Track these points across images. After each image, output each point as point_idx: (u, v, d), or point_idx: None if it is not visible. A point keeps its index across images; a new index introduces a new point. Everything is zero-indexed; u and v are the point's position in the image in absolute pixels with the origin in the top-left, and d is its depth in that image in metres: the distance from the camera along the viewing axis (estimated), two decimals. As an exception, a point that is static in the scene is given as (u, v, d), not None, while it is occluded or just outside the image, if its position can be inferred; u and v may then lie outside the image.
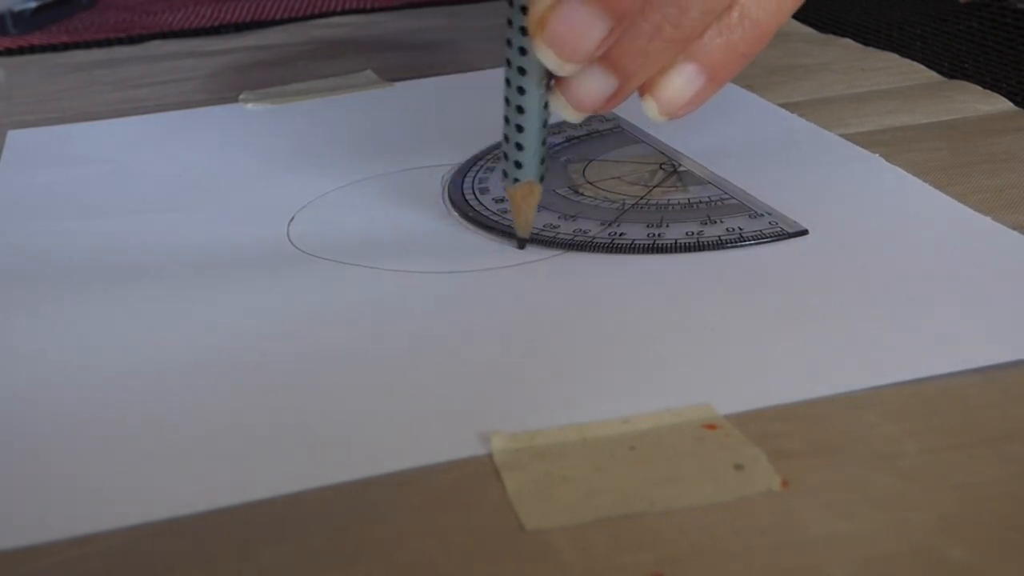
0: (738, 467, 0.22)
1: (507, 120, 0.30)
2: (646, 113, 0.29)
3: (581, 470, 0.22)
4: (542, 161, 0.31)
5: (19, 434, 0.25)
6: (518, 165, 0.31)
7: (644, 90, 0.29)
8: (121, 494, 0.23)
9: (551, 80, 0.29)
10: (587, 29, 0.26)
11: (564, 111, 0.29)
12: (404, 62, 0.54)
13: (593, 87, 0.28)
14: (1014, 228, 0.31)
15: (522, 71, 0.29)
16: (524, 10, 0.28)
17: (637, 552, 0.20)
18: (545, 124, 0.30)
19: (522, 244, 0.33)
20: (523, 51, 0.29)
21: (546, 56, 0.27)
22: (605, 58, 0.28)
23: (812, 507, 0.21)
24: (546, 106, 0.30)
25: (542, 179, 0.31)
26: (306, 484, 0.23)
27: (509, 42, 0.29)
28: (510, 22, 0.29)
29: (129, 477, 0.23)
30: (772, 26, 0.28)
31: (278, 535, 0.21)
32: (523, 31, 0.28)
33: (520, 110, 0.30)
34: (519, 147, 0.30)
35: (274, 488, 0.23)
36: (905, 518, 0.21)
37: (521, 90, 0.29)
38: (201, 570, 0.20)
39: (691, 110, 0.29)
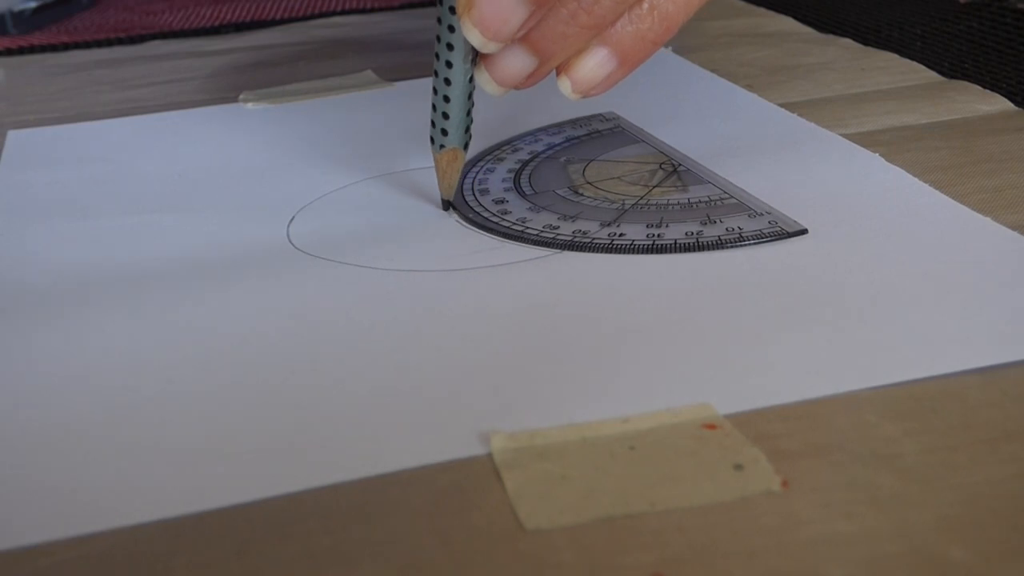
0: (738, 467, 0.22)
1: (435, 91, 0.33)
2: (561, 90, 0.32)
3: (581, 470, 0.22)
4: (467, 130, 0.34)
5: (19, 434, 0.25)
6: (444, 132, 0.34)
7: (560, 70, 0.32)
8: (121, 494, 0.23)
9: (476, 56, 0.32)
10: (510, 13, 0.29)
11: (487, 86, 0.32)
12: (404, 62, 0.54)
13: (514, 65, 0.31)
14: (1013, 228, 0.31)
15: (450, 47, 0.32)
16: None
17: (637, 552, 0.20)
18: (470, 96, 0.33)
19: (447, 206, 0.35)
20: (452, 29, 0.31)
21: (472, 35, 0.30)
22: (526, 39, 0.30)
23: (812, 507, 0.21)
24: (471, 80, 0.32)
25: (466, 147, 0.34)
26: (306, 484, 0.23)
27: (439, 19, 0.32)
28: (440, 1, 0.31)
29: (129, 477, 0.23)
30: (680, 18, 0.31)
31: (278, 535, 0.21)
32: (452, 10, 0.31)
33: (447, 82, 0.33)
34: (445, 116, 0.33)
35: (274, 488, 0.23)
36: (905, 518, 0.21)
37: (449, 64, 0.32)
38: (201, 570, 0.20)
39: (603, 91, 0.32)
